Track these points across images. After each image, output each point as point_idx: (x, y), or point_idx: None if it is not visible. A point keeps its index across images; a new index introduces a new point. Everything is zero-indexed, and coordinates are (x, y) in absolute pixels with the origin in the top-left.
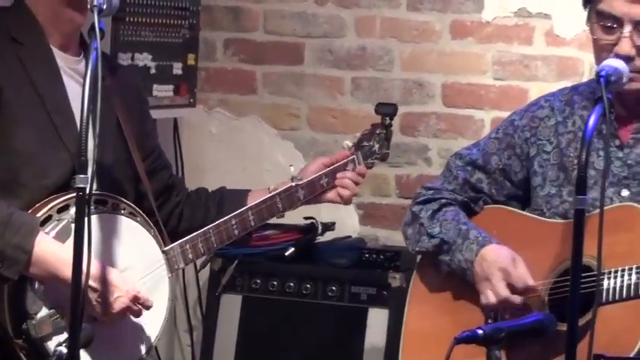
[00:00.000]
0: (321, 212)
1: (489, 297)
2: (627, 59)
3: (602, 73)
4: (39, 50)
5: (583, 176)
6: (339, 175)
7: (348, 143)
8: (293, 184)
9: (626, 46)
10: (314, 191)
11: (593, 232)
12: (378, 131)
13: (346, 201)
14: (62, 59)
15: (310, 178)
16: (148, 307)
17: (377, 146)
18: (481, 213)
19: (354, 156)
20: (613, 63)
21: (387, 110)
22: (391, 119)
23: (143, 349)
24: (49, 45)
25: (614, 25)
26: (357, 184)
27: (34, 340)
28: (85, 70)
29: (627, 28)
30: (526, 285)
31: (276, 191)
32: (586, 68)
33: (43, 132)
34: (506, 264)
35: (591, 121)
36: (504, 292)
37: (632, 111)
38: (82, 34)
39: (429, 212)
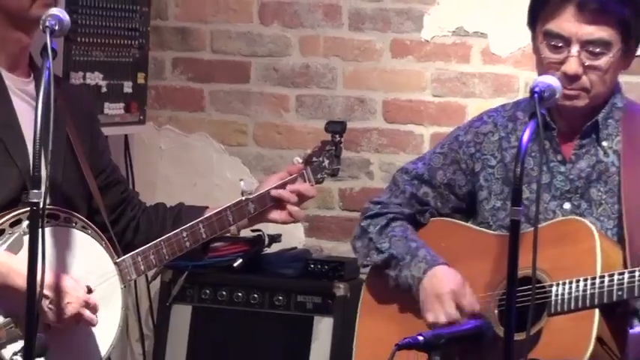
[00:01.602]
0: (268, 224)
1: (439, 316)
2: (574, 78)
3: (536, 89)
4: None
5: (518, 188)
6: (289, 188)
7: (298, 159)
8: (243, 197)
9: (573, 65)
10: (264, 205)
11: (538, 246)
12: (327, 148)
13: (296, 218)
14: (10, 80)
15: (260, 192)
16: (96, 311)
17: (327, 162)
18: (427, 225)
19: (304, 171)
20: (546, 79)
21: (336, 128)
22: (341, 136)
23: (101, 355)
24: None
25: (562, 45)
26: (307, 197)
27: None
28: (37, 90)
29: (575, 48)
30: (474, 310)
31: (227, 205)
32: (521, 85)
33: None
34: (458, 287)
35: (526, 135)
36: (455, 315)
37: (575, 127)
38: (32, 55)
39: (378, 227)
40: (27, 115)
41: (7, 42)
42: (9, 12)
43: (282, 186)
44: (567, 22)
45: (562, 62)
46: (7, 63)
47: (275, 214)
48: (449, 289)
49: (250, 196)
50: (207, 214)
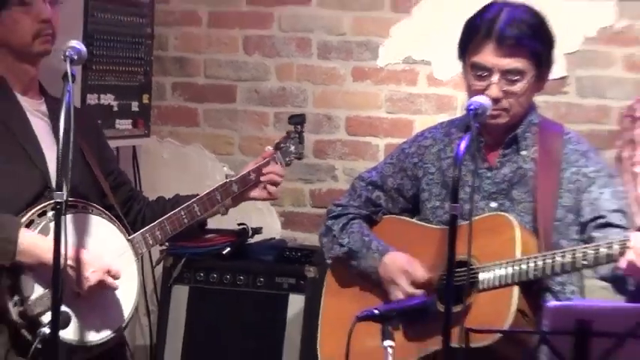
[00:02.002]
0: (252, 219)
1: (398, 295)
2: (496, 101)
3: (471, 107)
4: (5, 97)
5: (455, 189)
6: (264, 170)
7: (270, 147)
8: (228, 180)
9: (495, 91)
10: (245, 184)
11: (471, 236)
12: (292, 136)
13: (273, 195)
14: (25, 101)
15: (241, 174)
16: (117, 277)
17: (292, 147)
18: (381, 222)
19: (275, 155)
20: (479, 99)
21: (297, 120)
22: (302, 126)
23: (124, 316)
24: (13, 91)
25: (485, 74)
26: (279, 176)
27: (31, 317)
28: (49, 110)
29: (495, 77)
30: (425, 278)
31: (215, 186)
32: (459, 104)
33: (16, 157)
34: (406, 266)
35: (463, 143)
36: (410, 289)
37: (498, 140)
38: (40, 82)
39: (340, 225)
40: (42, 129)
41: (17, 72)
42: (15, 49)
43: (259, 168)
44: (489, 56)
45: (486, 88)
46: (21, 88)
47: (255, 193)
48: (400, 272)
49: (233, 178)
50: (198, 196)
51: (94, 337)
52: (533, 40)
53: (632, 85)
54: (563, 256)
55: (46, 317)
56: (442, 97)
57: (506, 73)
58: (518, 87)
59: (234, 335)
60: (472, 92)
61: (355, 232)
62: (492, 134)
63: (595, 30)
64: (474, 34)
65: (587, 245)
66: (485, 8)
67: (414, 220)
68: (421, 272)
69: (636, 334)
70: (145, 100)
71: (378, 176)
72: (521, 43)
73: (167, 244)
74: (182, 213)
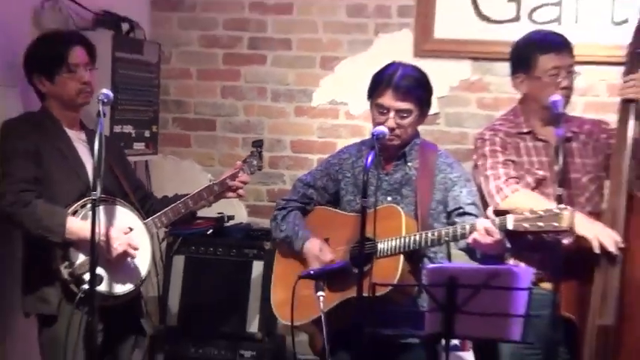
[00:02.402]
0: (227, 210)
1: (316, 266)
2: (391, 130)
3: (375, 133)
4: (59, 131)
5: (364, 188)
6: (237, 177)
7: (239, 162)
8: (211, 183)
9: (391, 123)
10: (223, 187)
11: (373, 220)
12: (254, 154)
13: (242, 194)
14: (72, 133)
15: (221, 180)
16: (136, 249)
17: (255, 162)
18: (313, 211)
19: (243, 167)
20: (380, 128)
21: (258, 143)
22: (261, 147)
23: (142, 273)
24: (63, 127)
25: (385, 112)
26: (245, 183)
27: (77, 276)
28: (88, 139)
29: (392, 114)
30: (330, 259)
31: (202, 187)
32: (367, 132)
33: (67, 170)
34: (317, 253)
35: (369, 158)
36: (322, 263)
37: (393, 155)
38: (81, 119)
39: (282, 215)
40: (82, 151)
41: (66, 115)
42: (64, 102)
43: (232, 176)
44: (388, 100)
45: (385, 121)
46: (68, 125)
47: (230, 194)
48: (314, 257)
49: (215, 181)
50: (191, 194)
51: (120, 289)
52: (419, 90)
53: (482, 118)
54: (433, 234)
55: (87, 276)
56: (355, 126)
57: (399, 112)
58: (406, 121)
59: (216, 290)
60: (375, 123)
61: (290, 222)
62: (389, 151)
63: (457, 81)
64: (378, 84)
65: (449, 227)
66: (387, 67)
67: (335, 209)
68: (328, 256)
69: (487, 285)
70: (154, 130)
71: (311, 179)
72: (410, 92)
73: (169, 227)
74: (180, 205)
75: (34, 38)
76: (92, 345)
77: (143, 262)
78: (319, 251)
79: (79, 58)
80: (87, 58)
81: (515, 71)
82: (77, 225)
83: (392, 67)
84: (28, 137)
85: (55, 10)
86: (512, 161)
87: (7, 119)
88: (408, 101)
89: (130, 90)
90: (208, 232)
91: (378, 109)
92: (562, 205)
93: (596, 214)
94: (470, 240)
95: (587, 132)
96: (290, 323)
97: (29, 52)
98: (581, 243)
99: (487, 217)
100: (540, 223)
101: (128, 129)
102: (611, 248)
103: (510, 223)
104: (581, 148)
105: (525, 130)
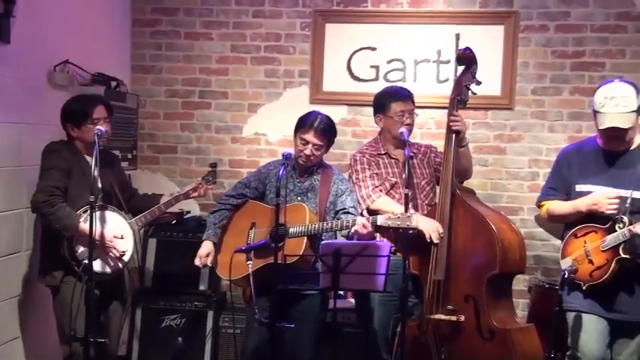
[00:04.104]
0: (184, 207)
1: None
2: (307, 156)
3: (286, 154)
4: (80, 158)
5: (278, 190)
6: (197, 190)
7: (199, 178)
8: (176, 193)
9: (308, 152)
10: (187, 196)
11: (286, 212)
12: (210, 172)
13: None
14: (88, 158)
15: (184, 191)
16: (122, 253)
17: (211, 178)
18: (246, 204)
19: (202, 182)
20: (290, 150)
21: (213, 165)
22: (215, 168)
23: (126, 258)
24: (84, 155)
25: (305, 144)
26: (202, 196)
27: (80, 261)
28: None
29: (310, 145)
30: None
31: (172, 196)
32: (279, 154)
33: (84, 187)
34: (201, 251)
35: (281, 170)
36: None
37: (306, 170)
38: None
39: (214, 211)
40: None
41: (87, 148)
42: (86, 143)
43: (195, 189)
44: (309, 136)
45: (304, 149)
46: (86, 153)
47: (189, 199)
48: (200, 251)
49: (181, 192)
50: (163, 200)
51: (109, 269)
52: (329, 133)
53: (355, 144)
54: (327, 225)
55: (85, 260)
56: (272, 149)
57: (315, 145)
58: (319, 152)
59: (179, 263)
60: (297, 151)
61: (212, 218)
62: (304, 167)
63: (338, 119)
64: (304, 124)
65: (338, 220)
66: (309, 113)
67: (262, 203)
68: (202, 257)
69: (360, 254)
70: (134, 153)
71: (247, 181)
72: (324, 133)
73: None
74: (154, 210)
75: (69, 97)
76: (91, 305)
77: (127, 250)
78: (203, 250)
79: (100, 114)
80: (106, 114)
81: (376, 113)
82: (83, 226)
83: (313, 114)
84: (63, 157)
85: (64, 72)
86: (376, 174)
87: (50, 142)
88: (321, 140)
89: (117, 126)
90: (173, 222)
91: (301, 141)
92: (412, 211)
93: (432, 206)
94: (352, 231)
95: (422, 152)
96: (229, 279)
97: (65, 107)
98: (422, 232)
99: (363, 216)
100: (398, 222)
101: (116, 152)
102: (435, 240)
103: (379, 220)
104: (419, 163)
105: (383, 152)
